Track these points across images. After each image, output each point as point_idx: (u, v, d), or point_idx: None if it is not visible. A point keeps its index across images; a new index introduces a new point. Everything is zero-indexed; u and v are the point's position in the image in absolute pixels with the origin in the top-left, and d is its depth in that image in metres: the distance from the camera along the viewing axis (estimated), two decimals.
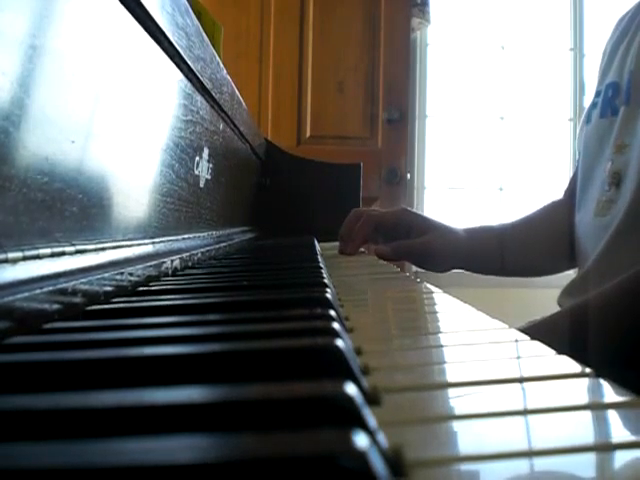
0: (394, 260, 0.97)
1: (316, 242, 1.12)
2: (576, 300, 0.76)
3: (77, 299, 0.36)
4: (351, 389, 0.18)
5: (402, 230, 1.00)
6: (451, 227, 1.02)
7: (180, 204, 0.64)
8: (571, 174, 1.05)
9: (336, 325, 0.28)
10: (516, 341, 0.31)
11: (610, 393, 0.22)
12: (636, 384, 0.24)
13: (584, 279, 0.85)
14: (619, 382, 0.22)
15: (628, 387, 0.21)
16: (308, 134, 2.31)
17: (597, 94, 0.93)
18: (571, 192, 1.02)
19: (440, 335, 0.35)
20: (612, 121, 0.86)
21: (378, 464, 0.14)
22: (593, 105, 0.93)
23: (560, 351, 0.27)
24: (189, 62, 0.60)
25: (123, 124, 0.47)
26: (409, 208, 1.07)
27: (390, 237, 1.01)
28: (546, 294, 1.18)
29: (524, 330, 0.32)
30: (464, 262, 1.03)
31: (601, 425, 0.20)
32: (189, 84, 0.64)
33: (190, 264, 0.66)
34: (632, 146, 0.81)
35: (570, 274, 1.01)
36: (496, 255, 1.02)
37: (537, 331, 0.69)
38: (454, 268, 1.02)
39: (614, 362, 0.60)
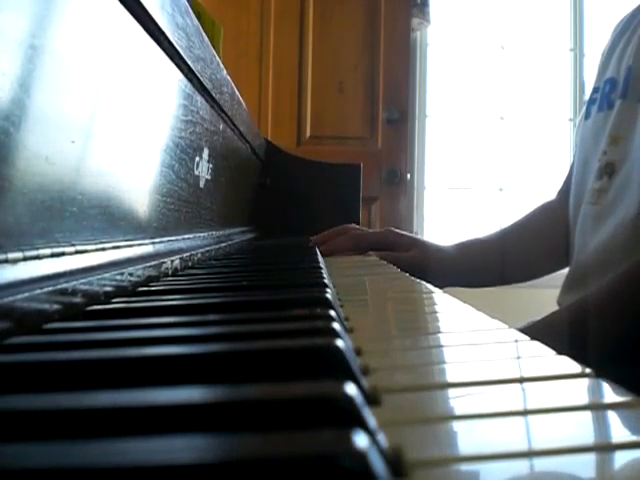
0: None
1: None
2: (576, 296, 0.76)
3: (77, 299, 0.36)
4: (351, 389, 0.18)
5: (386, 247, 1.00)
6: (438, 245, 1.02)
7: (180, 204, 0.64)
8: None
9: (336, 325, 0.28)
10: (516, 341, 0.31)
11: (610, 393, 0.22)
12: (636, 384, 0.24)
13: (583, 274, 0.85)
14: (619, 382, 0.22)
15: (628, 387, 0.21)
16: (308, 134, 2.31)
17: (595, 90, 0.93)
18: (565, 190, 1.03)
19: (440, 335, 0.35)
20: (608, 114, 0.87)
21: (378, 464, 0.14)
22: (592, 101, 0.93)
23: (560, 351, 0.27)
24: (189, 62, 0.60)
25: (123, 124, 0.47)
26: (395, 229, 1.06)
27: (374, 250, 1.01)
28: (546, 294, 1.18)
29: (524, 330, 0.32)
30: (459, 278, 1.02)
31: (601, 425, 0.20)
32: (189, 84, 0.64)
33: (190, 264, 0.66)
34: (627, 138, 0.81)
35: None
36: (495, 265, 1.02)
37: (537, 331, 0.69)
38: (450, 285, 1.00)
39: (614, 359, 0.60)
